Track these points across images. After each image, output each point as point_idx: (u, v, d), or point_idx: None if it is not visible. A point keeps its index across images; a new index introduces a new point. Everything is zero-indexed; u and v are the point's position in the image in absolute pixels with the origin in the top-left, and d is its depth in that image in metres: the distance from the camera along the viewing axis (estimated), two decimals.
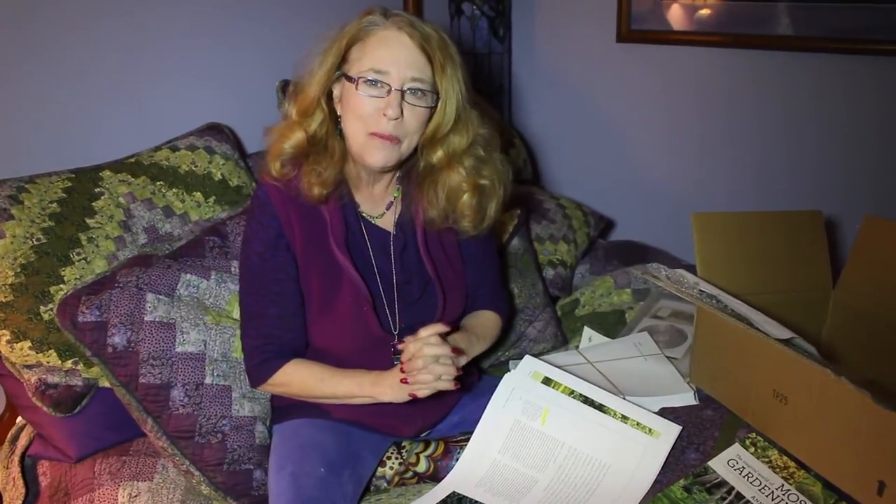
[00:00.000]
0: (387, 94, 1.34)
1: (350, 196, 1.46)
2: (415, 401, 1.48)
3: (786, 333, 1.28)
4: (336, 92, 1.41)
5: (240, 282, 1.50)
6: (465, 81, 1.42)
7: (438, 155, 1.44)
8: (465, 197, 1.46)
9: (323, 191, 1.40)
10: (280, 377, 1.43)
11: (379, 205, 1.50)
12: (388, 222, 1.50)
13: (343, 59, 1.38)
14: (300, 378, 1.43)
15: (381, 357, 1.47)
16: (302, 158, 1.40)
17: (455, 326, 1.58)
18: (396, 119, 1.34)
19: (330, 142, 1.41)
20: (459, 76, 1.40)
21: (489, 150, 1.50)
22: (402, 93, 1.34)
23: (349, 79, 1.36)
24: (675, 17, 2.42)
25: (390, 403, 1.45)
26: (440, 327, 1.36)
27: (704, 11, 2.36)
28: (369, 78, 1.34)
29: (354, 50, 1.37)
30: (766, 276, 1.62)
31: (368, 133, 1.36)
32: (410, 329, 1.47)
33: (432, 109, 1.39)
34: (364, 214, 1.48)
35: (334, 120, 1.42)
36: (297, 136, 1.40)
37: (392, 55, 1.34)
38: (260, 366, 1.44)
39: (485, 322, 1.62)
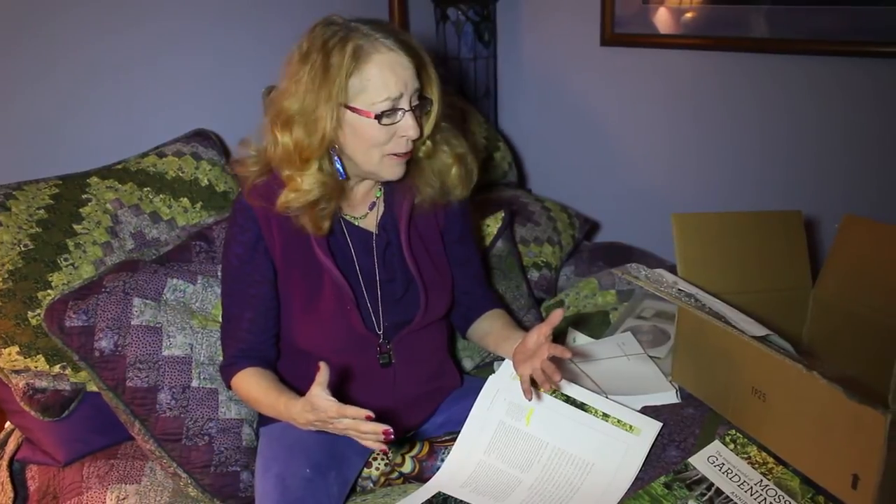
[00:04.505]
0: (400, 117, 1.33)
1: None
2: (401, 401, 1.52)
3: (761, 331, 1.30)
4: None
5: (221, 282, 1.52)
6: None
7: (424, 148, 1.46)
8: (454, 170, 1.49)
9: (329, 223, 1.40)
10: (235, 382, 1.45)
11: (361, 206, 1.51)
12: (370, 223, 1.51)
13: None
14: (246, 388, 1.43)
15: (366, 357, 1.48)
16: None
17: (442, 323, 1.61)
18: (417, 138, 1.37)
19: (332, 174, 1.39)
20: (437, 75, 1.42)
21: (446, 119, 1.50)
22: (413, 110, 1.35)
23: (357, 112, 1.32)
24: (662, 20, 2.44)
25: (375, 404, 1.47)
26: None
27: (689, 15, 2.38)
28: (388, 109, 1.32)
29: (353, 82, 1.31)
30: (747, 275, 1.64)
31: (385, 155, 1.36)
32: (394, 328, 1.50)
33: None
34: (346, 217, 1.50)
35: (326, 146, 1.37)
36: (320, 185, 1.36)
37: (398, 80, 1.31)
38: (226, 368, 1.47)
39: (505, 319, 1.63)
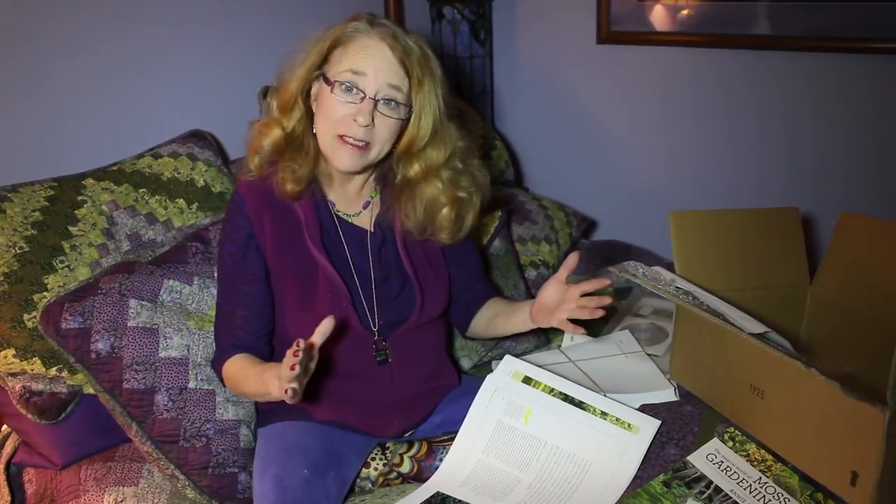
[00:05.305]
0: (360, 100, 1.37)
1: (322, 194, 1.49)
2: (399, 400, 1.51)
3: (759, 328, 1.30)
4: (314, 90, 1.44)
5: (216, 279, 1.53)
6: (445, 96, 1.44)
7: (415, 168, 1.47)
8: (445, 210, 1.49)
9: (296, 187, 1.42)
10: (226, 368, 1.45)
11: (354, 204, 1.52)
12: (364, 221, 1.52)
13: (324, 60, 1.41)
14: (232, 372, 1.44)
15: (362, 354, 1.48)
16: (279, 156, 1.43)
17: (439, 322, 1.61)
18: (367, 126, 1.37)
19: (306, 140, 1.44)
20: (438, 91, 1.42)
21: (467, 161, 1.52)
22: (375, 102, 1.37)
23: (326, 80, 1.39)
24: (658, 17, 2.44)
25: (373, 402, 1.47)
26: None
27: (685, 12, 2.38)
28: (345, 82, 1.36)
29: (336, 53, 1.39)
30: (745, 272, 1.64)
31: (336, 135, 1.38)
32: (389, 326, 1.50)
33: (404, 122, 1.42)
34: (340, 213, 1.50)
35: (310, 118, 1.44)
36: (275, 134, 1.43)
37: (370, 63, 1.37)
38: (216, 360, 1.48)
39: (507, 300, 1.68)
